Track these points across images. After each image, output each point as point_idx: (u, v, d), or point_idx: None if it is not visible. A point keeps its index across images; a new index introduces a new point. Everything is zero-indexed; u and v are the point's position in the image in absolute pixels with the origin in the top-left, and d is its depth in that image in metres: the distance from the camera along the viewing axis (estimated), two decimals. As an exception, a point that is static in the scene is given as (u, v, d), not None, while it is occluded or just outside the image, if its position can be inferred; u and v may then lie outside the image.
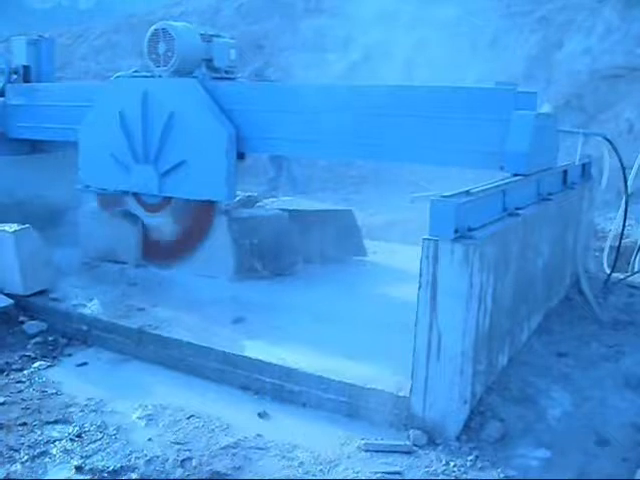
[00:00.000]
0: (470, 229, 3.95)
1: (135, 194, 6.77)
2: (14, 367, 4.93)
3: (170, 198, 6.58)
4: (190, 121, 6.21)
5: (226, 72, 6.63)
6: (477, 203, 4.11)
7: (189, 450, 3.90)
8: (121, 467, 3.75)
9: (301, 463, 3.79)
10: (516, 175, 4.95)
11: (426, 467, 3.73)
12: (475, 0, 13.77)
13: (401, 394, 4.09)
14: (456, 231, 3.82)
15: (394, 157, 5.87)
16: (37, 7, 35.71)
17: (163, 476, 3.69)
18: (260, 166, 11.54)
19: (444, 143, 5.34)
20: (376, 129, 5.58)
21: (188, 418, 4.24)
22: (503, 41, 13.28)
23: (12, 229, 5.84)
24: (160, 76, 6.43)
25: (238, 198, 7.05)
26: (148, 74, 6.60)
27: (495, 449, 3.88)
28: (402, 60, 12.50)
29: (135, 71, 6.86)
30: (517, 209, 4.66)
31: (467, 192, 4.14)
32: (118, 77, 6.87)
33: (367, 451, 3.89)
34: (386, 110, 5.54)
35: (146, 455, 3.84)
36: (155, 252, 6.71)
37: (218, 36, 6.66)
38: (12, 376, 4.80)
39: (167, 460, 3.80)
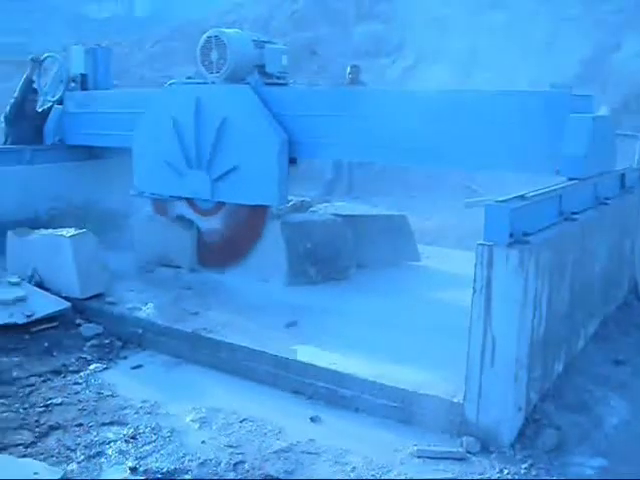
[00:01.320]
0: (525, 234, 3.89)
1: (188, 199, 6.85)
2: (71, 369, 5.01)
3: (223, 203, 6.63)
4: (242, 127, 6.25)
5: (278, 78, 6.66)
6: (532, 208, 4.06)
7: (242, 453, 3.91)
8: (174, 469, 3.78)
9: (353, 468, 3.78)
10: (572, 179, 4.88)
11: (480, 474, 3.69)
12: (528, 4, 13.63)
13: (454, 400, 4.05)
14: (511, 236, 3.77)
15: (449, 162, 5.81)
16: (94, 17, 36.41)
17: (216, 479, 3.71)
18: (316, 170, 11.56)
19: (499, 147, 5.28)
20: (430, 134, 5.54)
21: (241, 421, 4.26)
22: (558, 44, 13.10)
23: (69, 234, 5.95)
24: (213, 83, 6.49)
25: (292, 203, 7.08)
26: (201, 81, 6.67)
27: (550, 457, 3.81)
28: (455, 65, 12.43)
29: (189, 78, 6.94)
30: (573, 214, 4.58)
31: (522, 196, 4.09)
32: (171, 84, 6.96)
33: (420, 457, 3.86)
34: (440, 115, 5.50)
35: (199, 458, 3.87)
36: (208, 256, 6.76)
37: (270, 42, 6.70)
38: (69, 378, 4.88)
39: (220, 463, 3.82)
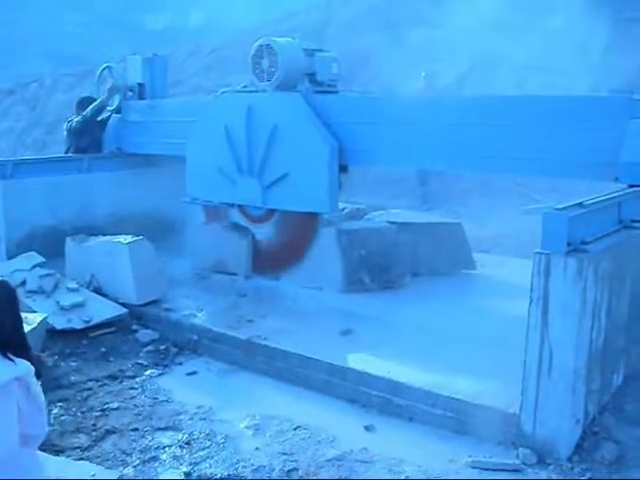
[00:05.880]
0: (584, 242, 3.82)
1: (240, 206, 6.90)
2: (127, 374, 5.09)
3: (274, 210, 6.67)
4: (293, 134, 6.29)
5: (329, 85, 6.67)
6: (591, 215, 3.98)
7: (295, 461, 3.92)
8: (228, 475, 3.81)
9: (408, 477, 3.74)
10: (632, 186, 4.77)
11: (536, 486, 3.63)
12: (588, 7, 13.40)
13: (510, 411, 3.99)
14: (569, 244, 3.71)
15: (504, 168, 5.72)
16: (151, 27, 37.04)
17: (270, 485, 3.72)
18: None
19: (556, 154, 5.19)
20: (486, 140, 5.48)
21: (295, 429, 4.26)
22: (617, 48, 12.85)
23: (127, 241, 6.04)
24: (264, 91, 6.53)
25: (347, 210, 7.07)
26: (253, 89, 6.72)
27: (609, 471, 3.74)
28: (511, 69, 12.28)
29: (244, 86, 6.99)
30: (634, 221, 4.47)
31: (580, 204, 4.01)
32: (223, 92, 7.02)
33: (474, 468, 3.81)
34: (496, 120, 5.44)
35: (253, 464, 3.89)
36: (262, 263, 6.80)
37: (320, 50, 6.72)
38: (125, 383, 4.96)
39: (273, 470, 3.84)
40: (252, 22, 20.81)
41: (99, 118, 8.24)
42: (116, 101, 8.22)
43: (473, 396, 4.18)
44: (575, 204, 4.00)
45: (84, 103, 8.35)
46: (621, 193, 4.60)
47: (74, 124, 8.17)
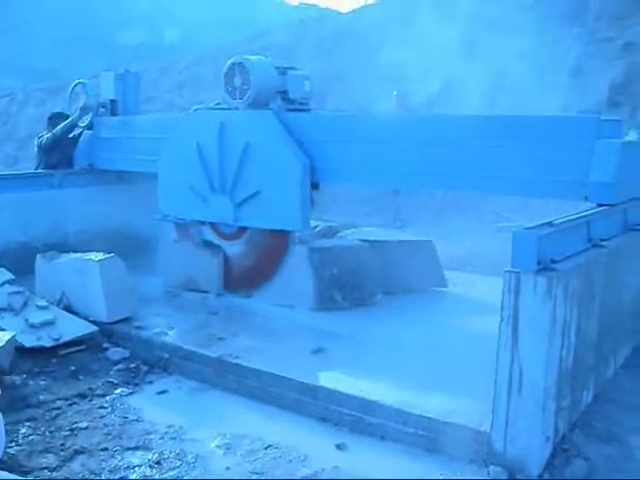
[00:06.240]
0: (553, 261, 3.85)
1: (211, 224, 6.89)
2: (97, 393, 5.02)
3: (245, 228, 6.67)
4: (265, 152, 6.30)
5: (301, 104, 6.70)
6: (560, 234, 4.02)
7: (266, 480, 3.89)
8: (199, 495, 3.77)
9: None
10: (601, 205, 4.83)
11: (507, 505, 3.64)
12: (558, 29, 13.60)
13: (481, 429, 4.00)
14: (539, 263, 3.73)
15: (475, 188, 5.76)
16: (125, 43, 37.09)
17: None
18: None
19: (526, 173, 5.25)
20: (456, 159, 5.53)
21: (266, 448, 4.23)
22: (587, 68, 13.05)
23: (97, 258, 6.00)
24: (237, 108, 6.54)
25: (319, 228, 7.08)
26: (225, 106, 6.73)
27: (580, 488, 3.75)
28: (482, 91, 12.40)
29: (217, 104, 7.01)
30: (602, 240, 4.53)
31: (550, 223, 4.05)
32: (196, 109, 7.03)
33: (446, 486, 3.81)
34: (466, 140, 5.49)
35: (224, 484, 3.86)
36: (233, 281, 6.78)
37: (293, 68, 6.75)
38: (95, 402, 4.90)
39: (244, 490, 3.81)
40: (225, 40, 20.88)
41: (71, 135, 8.20)
42: (88, 118, 8.18)
43: (444, 414, 4.18)
44: (545, 223, 4.03)
45: (55, 119, 8.32)
46: (590, 212, 4.65)
47: (44, 140, 8.13)
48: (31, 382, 5.13)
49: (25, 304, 5.85)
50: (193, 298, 6.70)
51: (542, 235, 3.79)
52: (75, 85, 8.37)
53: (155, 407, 4.84)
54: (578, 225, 4.36)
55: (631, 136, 5.82)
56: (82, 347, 5.66)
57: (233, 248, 6.81)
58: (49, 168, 8.05)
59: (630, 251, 5.08)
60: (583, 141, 5.01)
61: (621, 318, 5.09)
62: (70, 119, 8.14)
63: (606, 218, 4.76)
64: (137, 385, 5.20)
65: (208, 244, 6.93)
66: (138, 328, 5.89)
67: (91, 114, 8.15)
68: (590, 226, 4.46)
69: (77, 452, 4.21)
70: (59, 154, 8.12)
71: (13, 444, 4.22)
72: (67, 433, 4.43)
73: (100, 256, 6.03)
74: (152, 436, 4.41)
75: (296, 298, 6.32)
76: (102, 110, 8.20)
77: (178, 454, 4.18)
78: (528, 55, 12.97)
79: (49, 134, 8.12)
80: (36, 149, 8.27)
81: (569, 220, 4.27)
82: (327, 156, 6.15)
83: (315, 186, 6.35)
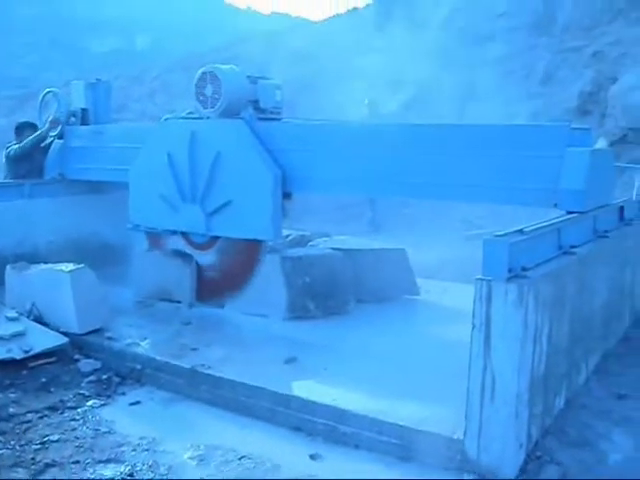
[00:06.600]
0: (524, 269, 3.88)
1: (183, 233, 6.86)
2: (68, 405, 4.97)
3: (217, 237, 6.65)
4: (236, 161, 6.29)
5: (272, 113, 6.69)
6: (531, 242, 4.05)
7: (240, 491, 3.87)
8: (172, 508, 3.74)
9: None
10: (571, 213, 4.88)
11: (481, 512, 3.65)
12: (528, 37, 13.75)
13: (455, 437, 4.00)
14: (510, 271, 3.75)
15: (447, 196, 5.81)
16: (96, 51, 36.84)
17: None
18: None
19: (497, 181, 5.29)
20: (427, 167, 5.56)
21: (239, 459, 4.21)
22: (556, 77, 13.20)
23: (68, 269, 5.94)
24: (208, 117, 6.53)
25: (291, 237, 7.08)
26: (196, 116, 6.71)
27: (553, 494, 3.77)
28: (454, 99, 12.50)
29: (189, 112, 6.98)
30: (572, 247, 4.57)
31: (521, 231, 4.08)
32: (167, 119, 7.00)
33: (420, 495, 3.81)
34: (437, 148, 5.52)
35: (197, 496, 3.83)
36: (204, 290, 6.75)
37: (264, 78, 6.75)
38: (66, 414, 4.84)
39: (218, 501, 3.78)
40: (197, 48, 20.85)
41: (41, 145, 8.12)
42: (57, 129, 8.10)
43: (418, 422, 4.19)
44: (516, 230, 4.06)
45: (22, 129, 8.23)
46: (561, 219, 4.70)
47: (12, 152, 8.04)
48: (0, 395, 5.06)
49: (-6, 316, 5.78)
50: (165, 308, 6.66)
51: (513, 243, 3.81)
52: (45, 94, 8.30)
53: (127, 419, 4.79)
54: (549, 232, 4.39)
55: (600, 144, 5.89)
56: (53, 359, 5.60)
57: (205, 258, 6.78)
58: (18, 179, 7.96)
59: (600, 258, 5.13)
60: (553, 149, 5.06)
61: (592, 324, 5.13)
62: (39, 132, 8.05)
63: (576, 225, 4.80)
64: (109, 397, 5.14)
65: (180, 254, 6.89)
66: (110, 339, 5.83)
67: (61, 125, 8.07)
68: (560, 233, 4.50)
69: (48, 466, 4.15)
70: (27, 165, 8.02)
71: (-18, 458, 4.17)
72: (38, 446, 4.37)
73: (71, 267, 5.97)
74: (124, 448, 4.36)
75: (269, 307, 6.30)
76: (73, 119, 8.13)
77: (151, 466, 4.14)
78: (498, 63, 13.10)
79: (17, 146, 8.03)
80: (4, 159, 8.17)
81: (540, 227, 4.31)
82: (299, 165, 6.15)
83: (287, 195, 6.35)
